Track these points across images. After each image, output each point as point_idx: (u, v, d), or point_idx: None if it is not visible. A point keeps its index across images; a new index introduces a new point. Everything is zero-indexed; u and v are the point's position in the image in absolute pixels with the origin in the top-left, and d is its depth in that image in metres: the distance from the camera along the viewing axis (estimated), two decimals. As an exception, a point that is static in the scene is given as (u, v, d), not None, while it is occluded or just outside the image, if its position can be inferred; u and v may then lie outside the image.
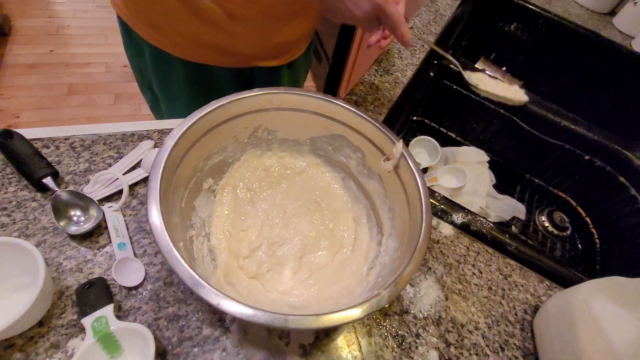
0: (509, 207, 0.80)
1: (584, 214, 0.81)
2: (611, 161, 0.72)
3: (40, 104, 1.60)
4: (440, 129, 0.85)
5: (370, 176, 0.45)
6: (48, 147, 0.47)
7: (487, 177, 0.79)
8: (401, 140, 0.40)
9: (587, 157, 0.74)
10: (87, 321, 0.34)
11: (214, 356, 0.37)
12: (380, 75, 0.69)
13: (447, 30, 0.83)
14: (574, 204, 0.82)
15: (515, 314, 0.47)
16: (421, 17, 0.85)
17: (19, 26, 1.84)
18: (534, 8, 1.00)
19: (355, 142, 0.44)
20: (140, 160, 0.47)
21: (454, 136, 0.85)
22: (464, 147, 0.82)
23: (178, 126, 0.36)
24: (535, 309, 0.47)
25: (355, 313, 0.28)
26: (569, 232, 0.78)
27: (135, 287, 0.39)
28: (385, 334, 0.42)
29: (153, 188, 0.31)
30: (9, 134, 0.45)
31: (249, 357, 0.37)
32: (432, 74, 0.71)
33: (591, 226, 0.80)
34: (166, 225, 0.30)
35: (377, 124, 0.41)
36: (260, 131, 0.45)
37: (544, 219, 0.79)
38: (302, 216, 0.46)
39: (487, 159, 0.81)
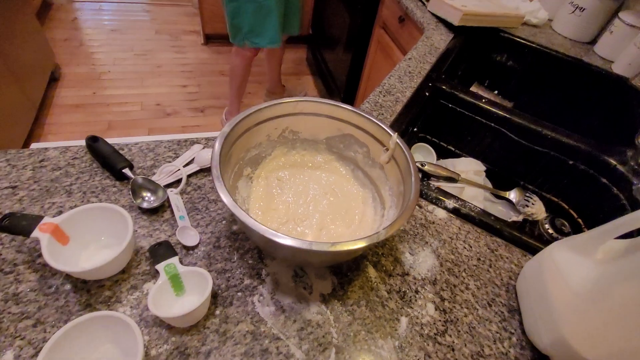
0: (506, 211, 0.89)
1: (575, 216, 0.89)
2: (592, 165, 0.81)
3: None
4: (441, 143, 0.97)
5: (374, 166, 0.57)
6: (122, 150, 0.60)
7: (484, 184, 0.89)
8: (396, 132, 0.52)
9: (571, 162, 0.83)
10: (160, 266, 0.45)
11: (253, 299, 0.47)
12: (384, 96, 0.82)
13: (441, 60, 0.97)
14: (566, 207, 0.90)
15: (501, 279, 0.55)
16: (418, 50, 0.99)
17: (67, 73, 2.10)
18: (520, 40, 1.14)
19: (361, 139, 0.56)
20: (193, 158, 0.60)
21: (452, 149, 0.96)
22: (462, 158, 0.93)
23: (229, 123, 0.48)
24: (519, 276, 0.56)
25: (361, 244, 0.39)
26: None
27: (192, 248, 0.50)
28: (390, 289, 0.51)
29: (215, 160, 0.43)
30: (94, 138, 0.59)
31: (281, 301, 0.47)
32: (427, 94, 0.84)
33: (583, 226, 0.87)
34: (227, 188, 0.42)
35: (376, 121, 0.53)
36: (287, 132, 0.57)
37: (547, 226, 0.87)
38: (320, 199, 0.57)
39: (484, 168, 0.91)
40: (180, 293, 0.45)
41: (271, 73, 2.00)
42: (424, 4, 1.19)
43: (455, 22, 1.05)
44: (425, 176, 0.85)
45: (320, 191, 0.58)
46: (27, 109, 1.70)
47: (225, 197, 0.40)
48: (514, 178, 0.92)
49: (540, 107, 1.14)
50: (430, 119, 0.91)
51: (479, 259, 0.57)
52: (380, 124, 0.53)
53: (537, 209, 0.87)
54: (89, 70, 2.17)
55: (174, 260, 0.46)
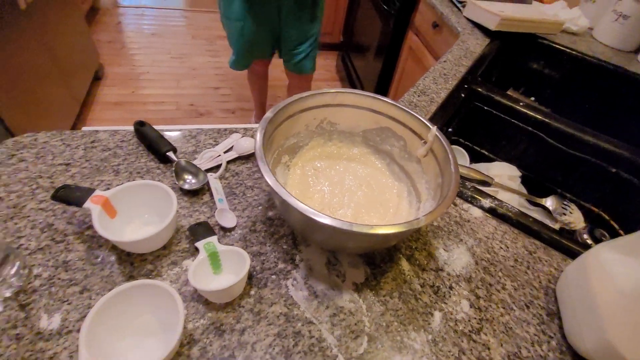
0: (541, 219, 0.86)
1: (617, 227, 0.85)
2: (636, 173, 0.78)
3: (122, 133, 1.88)
4: (474, 146, 0.95)
5: (410, 159, 0.56)
6: (167, 135, 0.63)
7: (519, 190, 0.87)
8: (435, 126, 0.51)
9: (613, 170, 0.80)
10: (200, 244, 0.47)
11: (287, 283, 0.47)
12: (418, 95, 0.82)
13: (476, 64, 0.96)
14: (607, 217, 0.86)
15: (540, 282, 0.53)
16: (453, 53, 0.99)
17: (109, 72, 2.21)
18: (558, 47, 1.11)
19: (399, 132, 0.56)
20: (232, 146, 0.62)
21: (486, 153, 0.95)
22: (496, 163, 0.91)
23: (272, 109, 0.50)
24: (559, 279, 0.54)
25: (400, 229, 0.39)
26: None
27: (229, 230, 0.51)
28: (423, 283, 0.50)
29: (258, 147, 0.44)
30: (142, 123, 0.61)
31: (314, 286, 0.48)
32: (463, 95, 0.83)
33: (625, 239, 0.83)
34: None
35: (415, 114, 0.53)
36: (325, 123, 0.58)
37: (586, 236, 0.83)
38: (355, 190, 0.57)
39: (519, 174, 0.89)
40: (218, 271, 0.46)
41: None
42: (459, 9, 1.19)
43: (492, 27, 1.04)
44: (458, 179, 0.84)
45: (356, 182, 0.58)
46: (71, 104, 1.80)
47: (268, 177, 0.41)
48: (551, 185, 0.89)
49: (579, 115, 1.10)
50: (464, 121, 0.90)
51: (516, 260, 0.55)
52: (419, 116, 0.53)
53: (575, 218, 0.84)
54: (129, 70, 2.27)
55: (213, 239, 0.47)
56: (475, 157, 0.94)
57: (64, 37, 1.74)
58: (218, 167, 0.59)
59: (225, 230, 0.51)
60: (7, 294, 0.42)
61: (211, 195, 0.55)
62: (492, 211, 0.61)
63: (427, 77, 0.88)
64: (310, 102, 0.54)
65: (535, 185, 0.90)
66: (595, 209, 0.87)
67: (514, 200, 0.85)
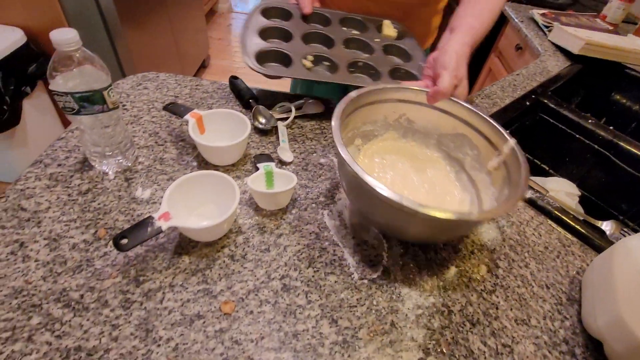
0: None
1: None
2: None
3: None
4: (535, 160, 0.95)
5: (480, 170, 0.56)
6: (253, 90, 0.76)
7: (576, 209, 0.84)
8: (514, 139, 0.51)
9: (688, 205, 0.75)
10: (261, 164, 0.57)
11: (324, 212, 0.55)
12: (482, 98, 0.86)
13: (549, 81, 0.96)
14: (676, 258, 0.79)
15: (567, 271, 0.54)
16: (528, 69, 1.00)
17: (213, 63, 2.55)
18: (651, 81, 1.06)
19: (474, 141, 0.56)
20: (302, 106, 0.72)
21: (546, 168, 0.93)
22: (554, 178, 0.90)
23: (356, 90, 0.54)
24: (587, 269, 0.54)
25: (450, 216, 0.40)
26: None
27: (286, 164, 0.61)
28: (446, 242, 0.54)
29: (338, 111, 0.50)
30: (235, 77, 0.75)
31: (346, 220, 0.55)
32: (527, 103, 0.85)
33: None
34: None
35: (495, 123, 0.53)
36: (402, 119, 0.60)
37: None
38: (418, 188, 0.57)
39: (578, 193, 0.86)
40: (271, 187, 0.56)
41: None
42: (545, 33, 1.19)
43: (575, 50, 1.03)
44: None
45: (420, 182, 0.58)
46: (178, 84, 2.11)
47: (336, 134, 0.46)
48: (613, 211, 0.85)
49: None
50: (527, 133, 0.90)
51: (546, 248, 0.57)
52: (498, 126, 0.53)
53: (635, 248, 0.79)
54: (229, 64, 2.60)
55: (271, 164, 0.57)
56: (535, 171, 0.94)
57: (187, 29, 2.07)
58: (288, 118, 0.70)
59: (282, 163, 0.61)
60: (118, 169, 0.56)
61: (277, 138, 0.66)
62: (531, 202, 0.62)
63: (496, 85, 0.92)
64: (393, 94, 0.58)
65: (596, 208, 0.86)
66: (663, 245, 0.80)
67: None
